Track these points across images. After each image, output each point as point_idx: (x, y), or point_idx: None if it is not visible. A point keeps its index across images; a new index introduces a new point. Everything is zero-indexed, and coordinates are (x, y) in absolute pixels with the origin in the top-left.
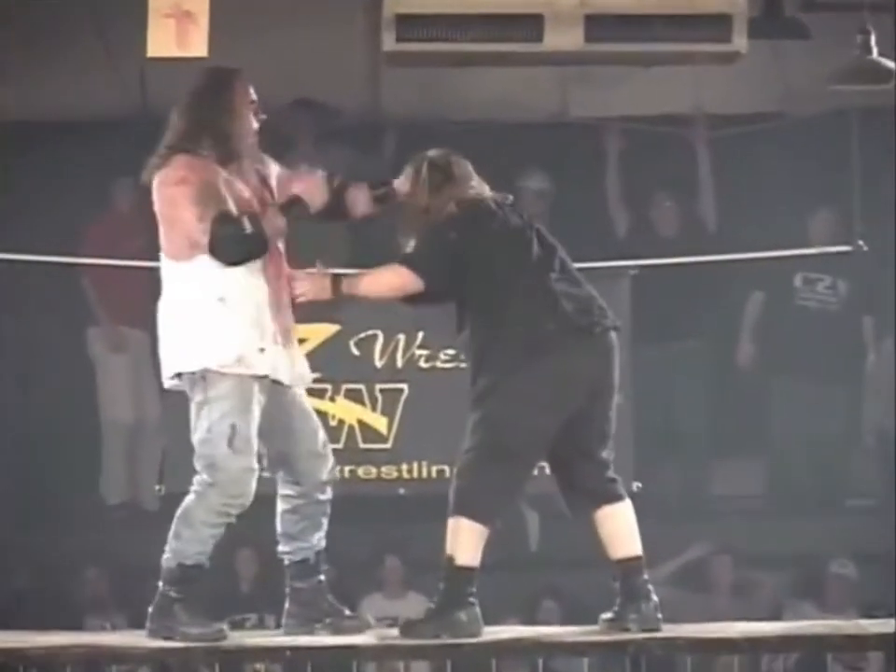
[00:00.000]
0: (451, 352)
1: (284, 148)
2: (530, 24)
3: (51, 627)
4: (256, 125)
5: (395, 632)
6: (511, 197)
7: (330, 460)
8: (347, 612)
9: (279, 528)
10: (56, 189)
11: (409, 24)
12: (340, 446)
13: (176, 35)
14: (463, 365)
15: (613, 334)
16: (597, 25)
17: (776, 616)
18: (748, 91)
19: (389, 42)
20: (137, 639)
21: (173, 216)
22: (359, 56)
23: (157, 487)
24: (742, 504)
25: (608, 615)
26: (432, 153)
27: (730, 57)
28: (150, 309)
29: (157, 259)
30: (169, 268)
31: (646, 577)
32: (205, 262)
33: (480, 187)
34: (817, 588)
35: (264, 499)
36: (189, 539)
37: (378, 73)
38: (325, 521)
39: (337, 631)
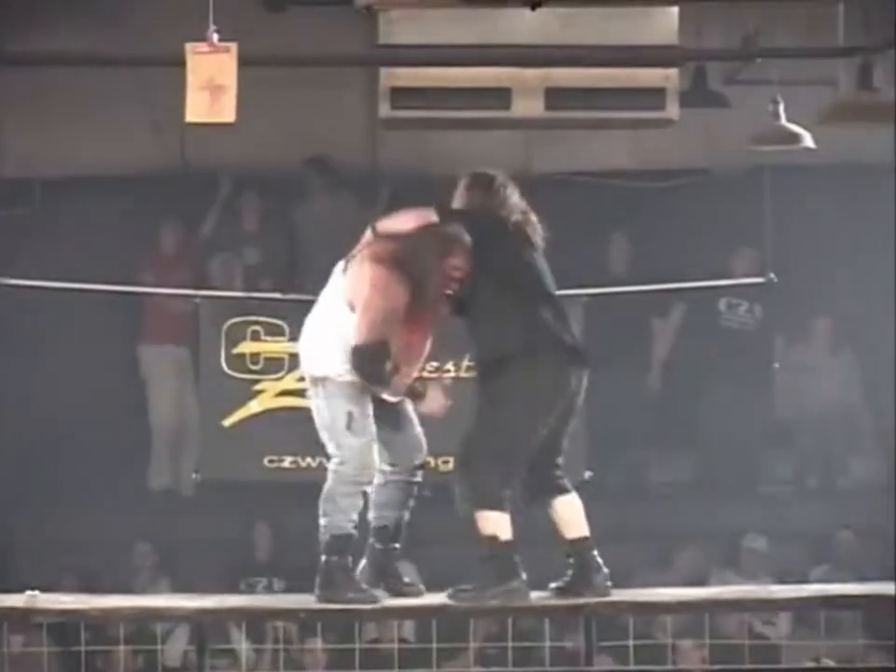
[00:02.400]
0: (450, 368)
1: (299, 196)
2: (500, 95)
3: (105, 592)
4: (451, 287)
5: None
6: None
7: (423, 451)
8: (406, 580)
9: (371, 497)
10: (108, 232)
11: (401, 95)
12: None
13: (210, 104)
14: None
15: (586, 372)
16: (556, 96)
17: (702, 582)
18: (679, 151)
19: (385, 109)
20: (178, 601)
21: (363, 291)
22: (360, 121)
23: (193, 475)
24: (674, 489)
25: (556, 584)
26: (478, 170)
27: (664, 123)
28: (189, 329)
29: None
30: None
31: (595, 552)
32: None
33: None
34: (734, 558)
35: (277, 484)
36: (333, 512)
37: (375, 135)
38: (410, 499)
39: (394, 593)
